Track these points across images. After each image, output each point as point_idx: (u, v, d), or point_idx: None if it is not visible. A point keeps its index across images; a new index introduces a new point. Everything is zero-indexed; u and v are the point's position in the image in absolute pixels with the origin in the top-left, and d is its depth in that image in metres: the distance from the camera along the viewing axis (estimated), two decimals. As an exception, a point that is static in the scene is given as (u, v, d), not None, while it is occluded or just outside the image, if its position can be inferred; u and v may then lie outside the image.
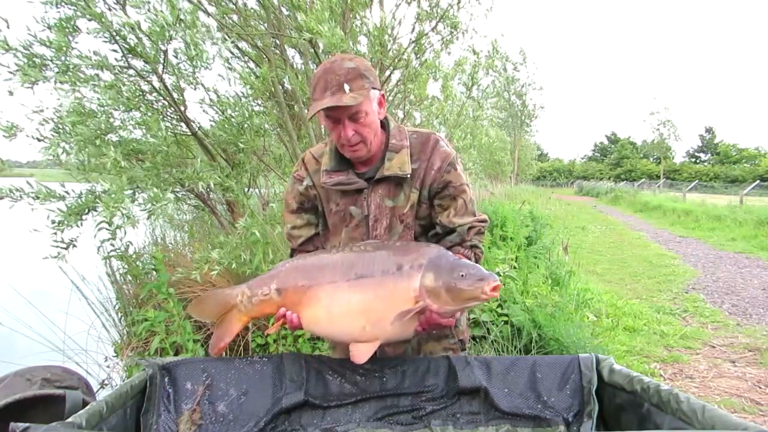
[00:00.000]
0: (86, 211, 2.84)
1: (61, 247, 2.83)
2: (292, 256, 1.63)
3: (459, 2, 3.72)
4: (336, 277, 1.30)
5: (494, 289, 1.18)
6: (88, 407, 1.08)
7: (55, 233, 2.80)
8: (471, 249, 1.50)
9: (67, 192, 2.87)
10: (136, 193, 2.87)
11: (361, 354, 1.27)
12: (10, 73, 2.63)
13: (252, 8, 3.88)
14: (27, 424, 0.89)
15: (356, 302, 1.27)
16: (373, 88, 1.37)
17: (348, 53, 1.43)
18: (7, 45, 2.60)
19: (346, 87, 1.31)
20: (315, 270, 1.34)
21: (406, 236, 1.49)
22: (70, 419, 1.01)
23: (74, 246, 2.89)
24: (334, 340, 1.45)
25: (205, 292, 1.59)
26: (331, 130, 1.39)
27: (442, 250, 1.31)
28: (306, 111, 3.71)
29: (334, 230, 1.54)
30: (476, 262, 1.47)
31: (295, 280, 1.34)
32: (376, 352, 1.32)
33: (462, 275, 1.21)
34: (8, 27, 2.64)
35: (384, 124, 1.48)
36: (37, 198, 2.76)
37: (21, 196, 2.73)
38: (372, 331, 1.27)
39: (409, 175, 1.43)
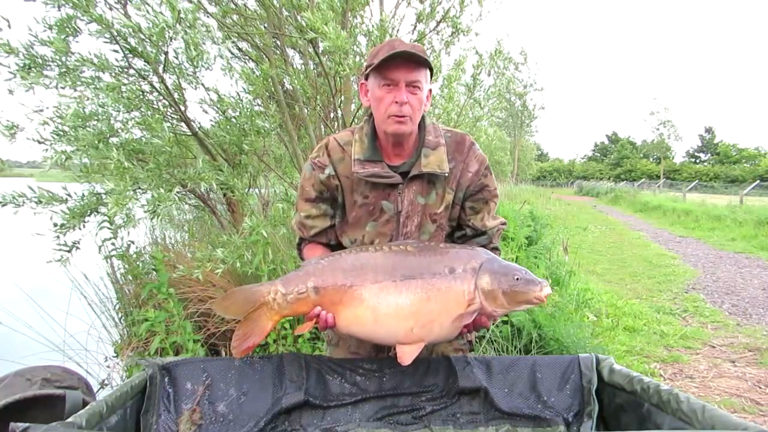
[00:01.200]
0: (89, 212, 2.84)
1: (65, 250, 2.83)
2: (300, 245, 1.60)
3: (462, 2, 3.71)
4: (380, 277, 1.27)
5: (546, 295, 1.24)
6: (88, 407, 1.08)
7: (58, 237, 2.79)
8: (493, 250, 1.51)
9: (69, 195, 2.87)
10: (138, 194, 2.87)
11: (407, 355, 1.26)
12: (11, 73, 2.64)
13: (252, 9, 3.88)
14: (27, 424, 0.89)
15: (406, 304, 1.25)
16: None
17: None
18: (10, 47, 2.60)
19: (414, 51, 1.32)
20: (356, 269, 1.30)
21: (438, 236, 1.49)
22: (70, 419, 1.01)
23: (77, 248, 2.89)
24: (374, 342, 1.41)
25: (232, 288, 1.52)
26: (381, 97, 1.36)
27: (489, 253, 1.34)
28: (306, 111, 3.71)
29: (356, 223, 1.48)
30: None
31: (335, 278, 1.30)
32: (394, 352, 1.32)
33: (517, 279, 1.24)
34: (9, 27, 2.64)
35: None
36: (40, 202, 2.76)
37: (24, 202, 2.74)
38: (419, 333, 1.26)
39: (446, 174, 1.42)
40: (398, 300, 1.25)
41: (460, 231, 1.54)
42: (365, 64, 1.41)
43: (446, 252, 1.32)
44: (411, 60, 1.32)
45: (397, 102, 1.34)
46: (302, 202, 1.52)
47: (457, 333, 1.31)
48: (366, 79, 1.42)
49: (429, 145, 1.43)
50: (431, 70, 1.40)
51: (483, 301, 1.25)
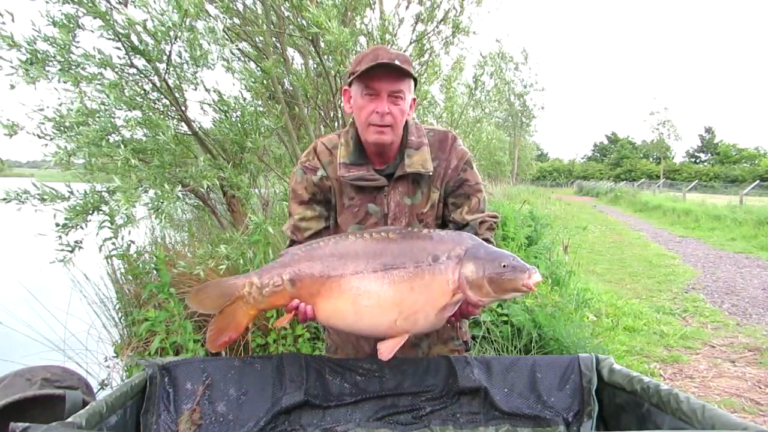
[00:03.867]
0: (92, 210, 2.84)
1: (67, 250, 2.83)
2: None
3: (462, 3, 3.72)
4: (360, 267, 1.22)
5: (536, 282, 1.17)
6: (88, 407, 1.08)
7: (60, 236, 2.79)
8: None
9: (71, 192, 2.87)
10: (140, 192, 2.87)
11: (388, 350, 1.21)
12: (13, 68, 2.64)
13: (251, 8, 3.88)
14: (27, 424, 0.89)
15: (389, 295, 1.20)
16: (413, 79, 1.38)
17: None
18: (13, 41, 2.60)
19: (397, 62, 1.30)
20: (334, 258, 1.24)
21: None
22: (70, 419, 1.01)
23: (80, 248, 2.89)
24: (356, 334, 1.38)
25: (207, 282, 1.49)
26: (363, 106, 1.35)
27: (475, 238, 1.29)
28: (307, 111, 3.71)
29: (343, 225, 1.47)
30: None
31: (312, 269, 1.25)
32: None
33: (504, 266, 1.19)
34: (13, 21, 2.64)
35: None
36: (43, 200, 2.76)
37: (27, 198, 2.74)
38: (403, 325, 1.21)
39: (431, 173, 1.42)
40: (380, 291, 1.21)
41: (446, 228, 1.53)
42: (348, 70, 1.40)
43: (429, 238, 1.27)
44: (394, 70, 1.31)
45: (378, 112, 1.33)
46: (295, 206, 1.50)
47: (442, 323, 1.28)
48: (349, 85, 1.41)
49: (412, 145, 1.42)
50: (415, 80, 1.40)
51: (467, 290, 1.20)
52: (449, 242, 1.25)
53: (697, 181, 33.78)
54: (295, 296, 1.27)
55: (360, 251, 1.25)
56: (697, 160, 60.45)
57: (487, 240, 1.49)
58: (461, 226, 1.48)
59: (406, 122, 1.45)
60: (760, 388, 3.32)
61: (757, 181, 26.67)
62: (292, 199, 1.51)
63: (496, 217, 1.53)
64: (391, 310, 1.21)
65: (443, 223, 1.53)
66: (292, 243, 1.54)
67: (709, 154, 59.35)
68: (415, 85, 1.42)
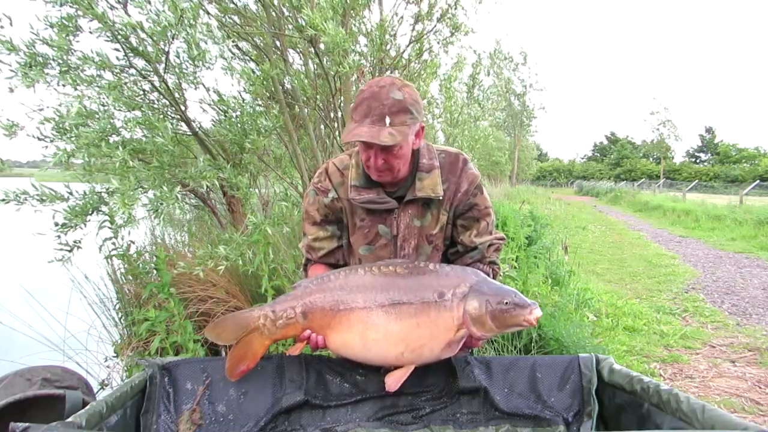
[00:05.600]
0: (91, 210, 2.85)
1: (66, 250, 2.83)
2: (305, 266, 1.61)
3: (458, 1, 3.72)
4: (369, 301, 1.28)
5: (536, 317, 1.24)
6: (88, 407, 1.08)
7: (59, 236, 2.79)
8: (490, 265, 1.52)
9: (71, 193, 2.87)
10: (139, 193, 2.87)
11: (395, 381, 1.27)
12: (12, 71, 2.64)
13: (251, 9, 3.88)
14: (27, 424, 0.89)
15: (395, 330, 1.25)
16: (415, 122, 1.34)
17: (399, 79, 1.36)
18: (12, 45, 2.60)
19: (387, 120, 1.27)
20: (344, 292, 1.30)
21: (435, 257, 1.51)
22: (70, 419, 1.02)
23: (79, 248, 2.89)
24: (366, 363, 1.41)
25: (223, 315, 1.53)
26: (360, 150, 1.37)
27: (479, 274, 1.33)
28: (306, 111, 3.71)
29: (355, 245, 1.51)
30: (494, 278, 1.51)
31: (323, 302, 1.31)
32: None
33: (506, 303, 1.24)
34: (11, 24, 2.64)
35: None
36: (42, 200, 2.76)
37: (26, 199, 2.74)
38: (410, 357, 1.27)
39: (440, 198, 1.44)
40: (387, 326, 1.26)
41: (453, 248, 1.56)
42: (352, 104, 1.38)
43: (436, 274, 1.31)
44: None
45: (371, 164, 1.34)
46: (309, 226, 1.54)
47: (448, 355, 1.31)
48: None
49: (423, 168, 1.44)
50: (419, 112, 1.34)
51: (471, 326, 1.25)
52: (454, 278, 1.30)
53: (697, 181, 33.79)
54: (307, 327, 1.33)
55: (369, 285, 1.30)
56: (697, 160, 60.40)
57: (493, 262, 1.54)
58: (469, 249, 1.51)
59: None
60: (760, 388, 3.32)
61: (757, 181, 26.69)
62: (305, 220, 1.56)
63: (503, 238, 1.57)
64: (397, 344, 1.26)
65: (452, 243, 1.56)
66: (308, 261, 1.60)
67: (709, 154, 59.30)
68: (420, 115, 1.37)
